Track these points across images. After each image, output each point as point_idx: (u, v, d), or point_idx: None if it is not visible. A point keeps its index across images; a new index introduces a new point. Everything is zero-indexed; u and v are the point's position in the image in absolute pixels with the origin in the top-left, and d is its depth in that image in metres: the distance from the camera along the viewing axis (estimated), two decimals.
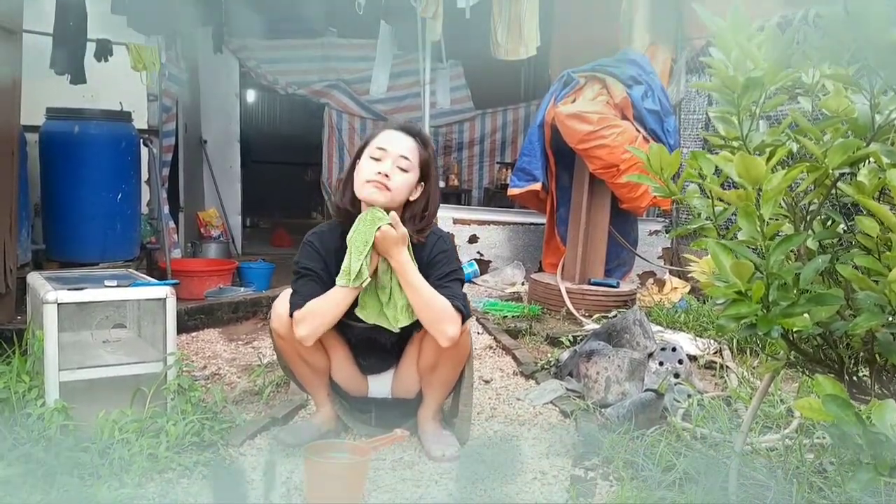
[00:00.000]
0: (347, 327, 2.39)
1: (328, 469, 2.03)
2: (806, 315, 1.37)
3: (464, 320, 2.24)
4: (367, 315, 2.31)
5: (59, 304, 2.32)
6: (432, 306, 2.21)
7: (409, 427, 2.44)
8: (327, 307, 2.24)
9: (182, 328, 3.60)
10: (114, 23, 4.85)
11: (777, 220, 1.50)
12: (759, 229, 1.40)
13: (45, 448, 2.08)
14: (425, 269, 2.27)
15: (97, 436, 2.19)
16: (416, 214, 2.34)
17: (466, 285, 5.16)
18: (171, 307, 2.49)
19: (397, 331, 2.32)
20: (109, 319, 2.72)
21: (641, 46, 5.47)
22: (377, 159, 2.27)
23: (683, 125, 5.60)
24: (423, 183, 2.34)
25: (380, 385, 2.52)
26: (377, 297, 2.31)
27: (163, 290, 2.52)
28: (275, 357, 3.36)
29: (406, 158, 2.28)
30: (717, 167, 1.53)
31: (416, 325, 2.33)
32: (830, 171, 1.48)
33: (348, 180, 2.35)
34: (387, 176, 2.25)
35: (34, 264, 4.44)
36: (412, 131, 2.35)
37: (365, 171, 2.28)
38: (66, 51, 4.55)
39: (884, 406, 1.17)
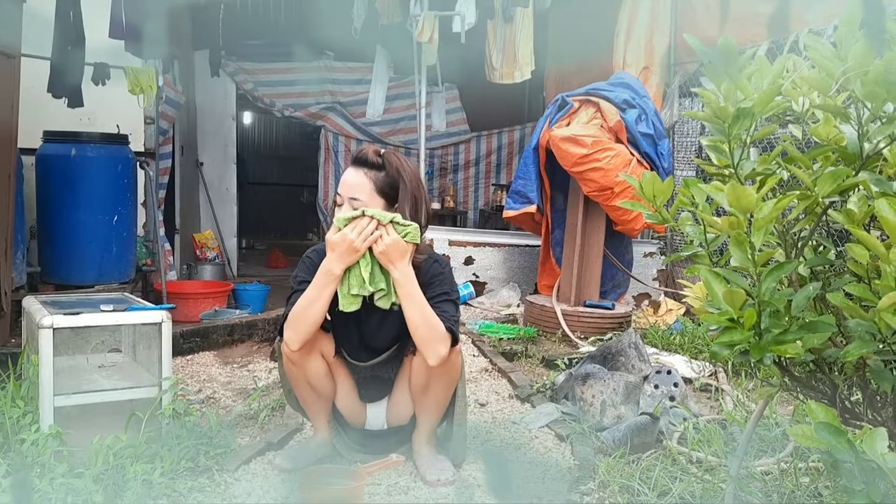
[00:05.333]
0: (351, 366, 2.44)
1: (324, 494, 2.03)
2: (798, 342, 1.38)
3: (454, 342, 2.25)
4: (348, 303, 2.25)
5: (54, 329, 2.32)
6: (428, 323, 2.21)
7: (404, 452, 2.44)
8: (307, 300, 2.22)
9: (177, 351, 3.59)
10: (111, 47, 4.90)
11: (769, 247, 1.52)
12: (750, 257, 1.41)
13: (39, 474, 2.07)
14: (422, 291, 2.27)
15: (92, 461, 2.18)
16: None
17: (462, 307, 5.17)
18: (167, 332, 2.50)
19: (387, 306, 2.25)
20: (105, 344, 2.72)
21: (635, 70, 5.54)
22: (340, 205, 2.29)
23: (677, 148, 5.64)
24: (396, 204, 2.28)
25: (376, 412, 2.52)
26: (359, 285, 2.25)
27: (158, 315, 2.52)
28: (270, 381, 3.37)
29: (356, 199, 2.25)
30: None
31: (409, 350, 2.34)
32: (820, 199, 1.49)
33: None
34: None
35: (29, 287, 4.43)
36: (359, 160, 2.28)
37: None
38: (64, 74, 4.58)
39: (874, 434, 1.17)
